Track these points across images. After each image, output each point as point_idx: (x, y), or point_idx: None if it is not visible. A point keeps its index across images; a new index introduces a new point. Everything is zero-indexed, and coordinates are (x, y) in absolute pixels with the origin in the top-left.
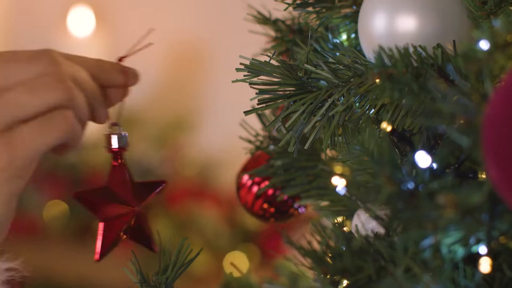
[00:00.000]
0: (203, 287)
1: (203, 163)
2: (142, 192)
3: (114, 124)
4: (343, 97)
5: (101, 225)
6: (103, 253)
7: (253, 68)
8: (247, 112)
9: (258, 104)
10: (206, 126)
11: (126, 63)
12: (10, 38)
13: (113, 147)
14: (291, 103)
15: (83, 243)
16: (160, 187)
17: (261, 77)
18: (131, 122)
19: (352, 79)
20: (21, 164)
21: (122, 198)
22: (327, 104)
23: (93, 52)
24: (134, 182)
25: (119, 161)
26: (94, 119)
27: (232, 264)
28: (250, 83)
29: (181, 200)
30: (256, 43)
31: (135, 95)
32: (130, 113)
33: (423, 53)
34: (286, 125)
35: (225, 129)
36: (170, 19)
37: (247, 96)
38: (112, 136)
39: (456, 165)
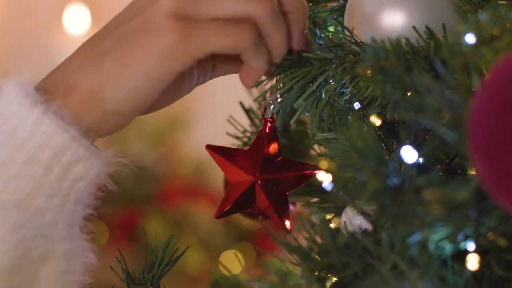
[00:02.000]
0: (198, 286)
1: (198, 161)
2: (279, 166)
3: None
4: (336, 75)
5: (229, 185)
6: (220, 214)
7: None
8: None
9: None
10: (201, 124)
11: None
12: (5, 35)
13: (266, 116)
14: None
15: None
16: (303, 172)
17: None
18: None
19: (347, 58)
20: (187, 50)
21: (250, 165)
22: (319, 80)
23: None
24: (280, 156)
25: (267, 131)
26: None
27: (220, 262)
28: None
29: (176, 199)
30: None
31: None
32: None
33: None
34: (277, 97)
35: (220, 128)
36: None
37: (242, 94)
38: (268, 105)
39: (447, 161)
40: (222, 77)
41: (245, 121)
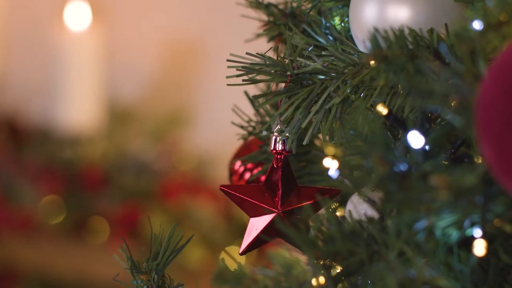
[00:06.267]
0: (199, 281)
1: (199, 157)
2: (300, 196)
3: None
4: (339, 89)
5: (249, 221)
6: (245, 249)
7: (245, 68)
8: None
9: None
10: (202, 121)
11: (123, 59)
12: (6, 32)
13: (274, 149)
14: (286, 99)
15: (79, 238)
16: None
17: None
18: (128, 117)
19: (346, 70)
20: None
21: (269, 199)
22: (322, 97)
23: (89, 47)
24: (296, 185)
25: (279, 163)
26: None
27: (225, 251)
28: (243, 81)
29: (177, 195)
30: (251, 39)
31: (132, 91)
32: (126, 108)
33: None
34: (281, 119)
35: (221, 124)
36: (165, 15)
37: (252, 91)
38: (276, 138)
39: (452, 150)
40: (222, 73)
41: (249, 110)
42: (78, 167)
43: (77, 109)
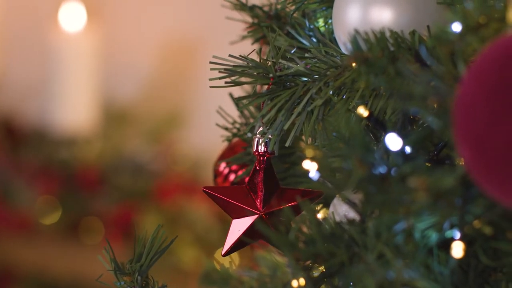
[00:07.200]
0: (193, 282)
1: (195, 158)
2: (282, 197)
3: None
4: (321, 91)
5: (232, 223)
6: (228, 251)
7: (227, 70)
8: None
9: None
10: (198, 122)
11: (119, 59)
12: (2, 33)
13: (256, 151)
14: (268, 100)
15: (75, 238)
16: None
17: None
18: (124, 118)
19: (328, 72)
20: None
21: (251, 201)
22: (305, 99)
23: (85, 48)
24: (279, 187)
25: (262, 165)
26: None
27: (214, 258)
28: (226, 83)
29: (172, 195)
30: (247, 40)
31: (128, 91)
32: (123, 109)
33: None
34: (264, 121)
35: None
36: (162, 16)
37: (238, 93)
38: (258, 140)
39: (435, 152)
40: (218, 75)
41: (234, 112)
42: (74, 168)
43: (73, 109)
